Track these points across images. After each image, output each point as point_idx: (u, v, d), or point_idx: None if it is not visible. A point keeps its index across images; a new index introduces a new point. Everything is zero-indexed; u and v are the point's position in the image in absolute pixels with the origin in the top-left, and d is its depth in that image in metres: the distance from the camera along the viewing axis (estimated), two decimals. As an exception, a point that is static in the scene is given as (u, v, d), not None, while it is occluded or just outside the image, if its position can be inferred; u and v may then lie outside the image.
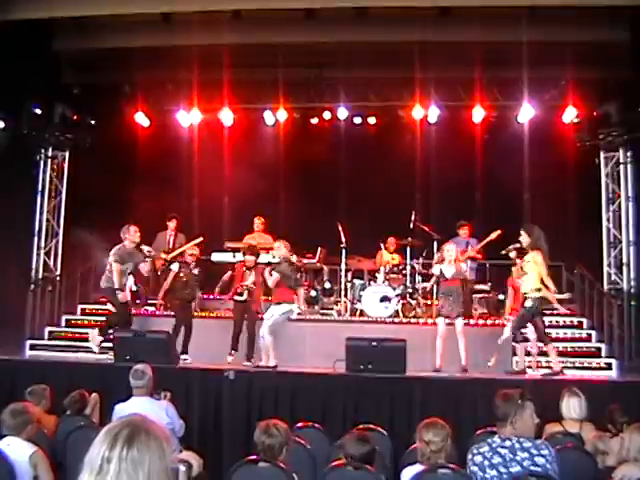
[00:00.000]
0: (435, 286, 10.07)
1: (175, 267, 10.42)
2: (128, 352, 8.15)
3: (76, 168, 13.13)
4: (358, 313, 11.03)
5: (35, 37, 10.33)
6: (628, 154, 12.29)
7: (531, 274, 8.32)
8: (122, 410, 5.61)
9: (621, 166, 12.43)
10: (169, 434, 2.21)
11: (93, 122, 13.05)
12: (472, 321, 10.14)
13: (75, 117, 12.86)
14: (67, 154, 13.27)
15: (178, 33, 10.80)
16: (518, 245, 8.71)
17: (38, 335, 11.57)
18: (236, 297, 9.86)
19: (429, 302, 11.08)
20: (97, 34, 10.81)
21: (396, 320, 10.44)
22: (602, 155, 12.71)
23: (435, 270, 9.29)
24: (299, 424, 6.08)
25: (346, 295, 11.29)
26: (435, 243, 11.11)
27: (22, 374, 8.20)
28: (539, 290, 8.31)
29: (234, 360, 9.35)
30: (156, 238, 11.68)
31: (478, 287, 11.20)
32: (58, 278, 12.86)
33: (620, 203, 12.44)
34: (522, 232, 8.49)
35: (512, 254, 8.97)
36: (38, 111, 12.18)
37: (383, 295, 10.66)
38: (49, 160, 13.03)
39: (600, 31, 10.43)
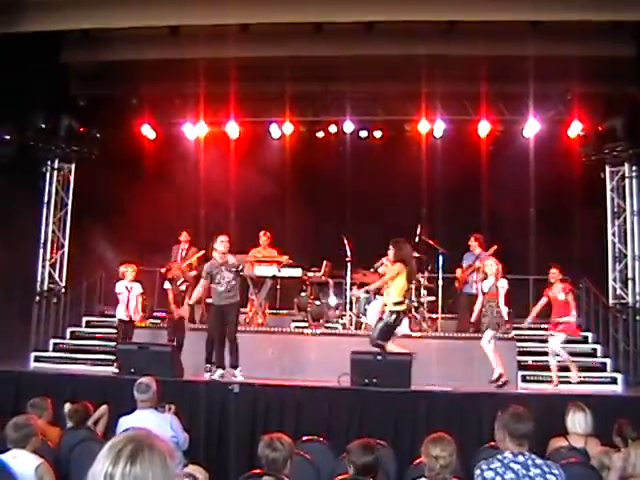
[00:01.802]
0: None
1: (167, 285, 10.57)
2: (132, 365, 8.15)
3: (82, 180, 13.17)
4: (363, 327, 11.02)
5: (43, 48, 10.35)
6: (633, 168, 12.28)
7: (394, 287, 8.51)
8: (126, 423, 5.60)
9: (626, 180, 12.41)
10: (173, 448, 2.20)
11: (99, 134, 13.08)
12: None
13: (82, 129, 12.87)
14: (73, 166, 13.28)
15: (185, 46, 10.83)
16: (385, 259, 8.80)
17: (43, 347, 11.59)
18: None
19: (434, 316, 11.07)
20: (105, 46, 10.84)
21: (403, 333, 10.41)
22: (607, 169, 12.70)
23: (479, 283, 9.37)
24: (304, 438, 6.06)
25: (351, 309, 11.27)
26: (440, 257, 11.11)
27: (26, 386, 8.19)
28: (401, 303, 8.51)
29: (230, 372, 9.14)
30: (172, 251, 11.76)
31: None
32: (63, 290, 12.88)
33: (625, 217, 12.42)
34: (390, 246, 8.74)
35: (380, 269, 9.01)
36: (44, 123, 12.21)
37: (388, 309, 10.64)
38: (55, 172, 13.03)
39: (605, 46, 10.43)
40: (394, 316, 8.47)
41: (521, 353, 10.37)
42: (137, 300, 10.10)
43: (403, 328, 9.02)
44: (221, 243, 9.03)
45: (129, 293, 10.08)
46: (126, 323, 10.06)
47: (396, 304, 8.47)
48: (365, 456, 4.46)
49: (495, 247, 10.37)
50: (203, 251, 11.17)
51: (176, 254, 11.69)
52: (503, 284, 8.95)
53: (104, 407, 6.83)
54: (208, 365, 9.06)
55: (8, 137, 11.53)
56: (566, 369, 9.22)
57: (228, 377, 8.79)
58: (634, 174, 12.27)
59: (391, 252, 8.75)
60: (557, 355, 9.16)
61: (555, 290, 9.34)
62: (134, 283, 10.18)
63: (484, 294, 9.04)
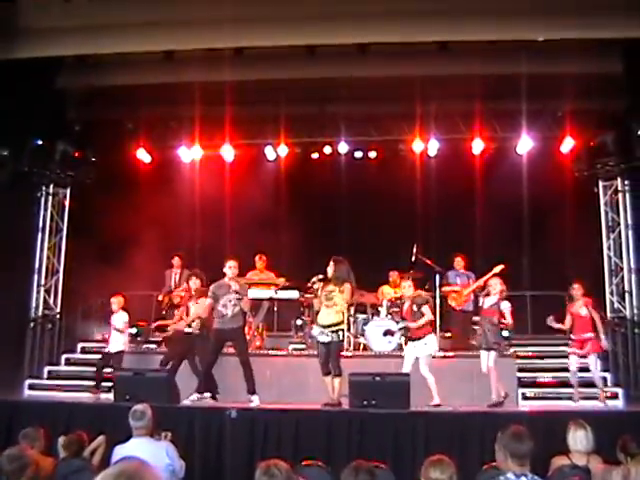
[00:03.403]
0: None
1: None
2: (128, 392, 8.06)
3: (77, 205, 13.17)
4: (362, 347, 10.98)
5: (38, 74, 10.40)
6: (626, 182, 12.37)
7: (344, 306, 8.57)
8: (121, 451, 5.52)
9: (619, 194, 12.50)
10: (164, 478, 2.18)
11: (95, 159, 13.11)
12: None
13: (77, 154, 12.90)
14: (68, 191, 13.30)
15: (180, 70, 10.89)
16: (321, 276, 8.79)
17: (37, 374, 11.50)
18: (186, 329, 9.64)
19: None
20: (100, 72, 10.88)
21: (400, 354, 10.37)
22: (600, 184, 12.80)
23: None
24: (303, 463, 6.00)
25: (349, 329, 11.23)
26: (437, 276, 11.11)
27: (20, 415, 8.04)
28: (342, 323, 8.57)
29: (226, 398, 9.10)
30: (165, 276, 11.75)
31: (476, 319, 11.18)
32: (58, 316, 12.81)
33: (620, 231, 12.47)
34: (331, 263, 8.67)
35: (315, 285, 8.99)
36: (40, 148, 12.22)
37: (386, 329, 10.63)
38: (50, 197, 13.02)
39: (594, 63, 10.55)
40: (338, 336, 8.55)
41: (521, 370, 10.33)
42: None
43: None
44: (229, 269, 8.97)
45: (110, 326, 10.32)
46: (109, 355, 10.25)
47: (339, 323, 8.59)
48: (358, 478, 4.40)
49: (502, 267, 10.30)
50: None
51: (169, 279, 11.67)
52: (506, 306, 8.95)
53: (101, 438, 6.74)
54: (206, 394, 8.97)
55: (3, 162, 11.52)
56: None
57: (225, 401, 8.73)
58: (627, 188, 12.37)
59: (331, 270, 8.66)
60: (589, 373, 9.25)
61: (577, 306, 9.31)
62: (118, 314, 10.33)
63: (483, 310, 9.02)
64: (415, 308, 8.98)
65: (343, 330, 8.67)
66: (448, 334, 11.41)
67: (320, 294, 8.70)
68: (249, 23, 9.59)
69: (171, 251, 12.06)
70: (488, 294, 9.13)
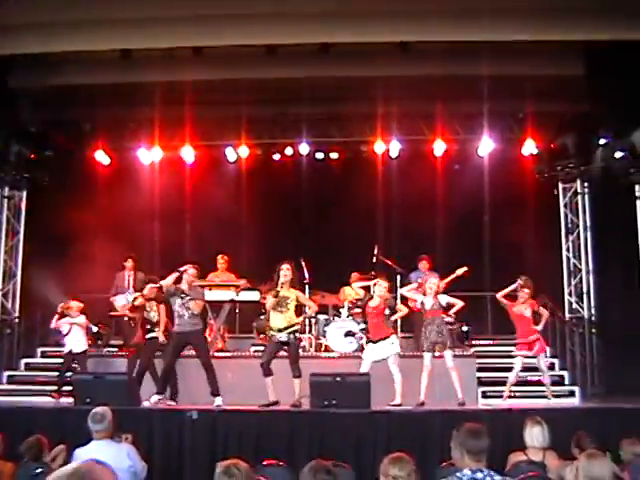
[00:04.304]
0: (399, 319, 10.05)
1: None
2: (88, 395, 7.96)
3: (34, 207, 12.94)
4: (323, 348, 10.96)
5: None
6: (585, 185, 12.54)
7: (289, 313, 8.64)
8: (82, 454, 5.43)
9: (579, 196, 12.70)
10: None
11: (51, 160, 12.86)
12: (437, 353, 10.11)
13: (32, 155, 12.64)
14: (24, 193, 13.06)
15: (138, 70, 10.75)
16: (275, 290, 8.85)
17: (-4, 379, 11.28)
18: (150, 334, 9.66)
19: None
20: (55, 71, 10.69)
21: (361, 354, 10.37)
22: (560, 186, 12.97)
23: (419, 299, 9.25)
24: (264, 462, 5.96)
25: (311, 331, 11.21)
26: (398, 277, 11.14)
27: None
28: (297, 324, 8.75)
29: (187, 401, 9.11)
30: (115, 278, 11.57)
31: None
32: (17, 320, 12.58)
33: (579, 233, 12.64)
34: (286, 267, 8.72)
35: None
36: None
37: (347, 330, 10.64)
38: (6, 200, 12.78)
39: (555, 65, 10.64)
40: (294, 337, 8.71)
41: (481, 369, 10.40)
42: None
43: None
44: (189, 276, 8.96)
45: (71, 327, 10.41)
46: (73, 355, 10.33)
47: (295, 324, 8.74)
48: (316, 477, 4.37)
49: (465, 269, 10.33)
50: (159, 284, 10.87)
51: (122, 281, 11.50)
52: (443, 299, 9.04)
53: (61, 447, 6.64)
54: (163, 396, 8.90)
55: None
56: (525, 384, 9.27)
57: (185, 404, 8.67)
58: (586, 190, 12.54)
59: (290, 275, 8.70)
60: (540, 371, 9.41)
61: (522, 308, 9.33)
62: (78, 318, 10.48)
63: (427, 311, 9.05)
64: (388, 312, 9.01)
65: (297, 330, 8.81)
66: (409, 334, 11.44)
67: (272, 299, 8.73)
68: (208, 22, 9.50)
69: (131, 253, 11.89)
70: (424, 292, 9.15)
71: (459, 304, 9.13)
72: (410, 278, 11.36)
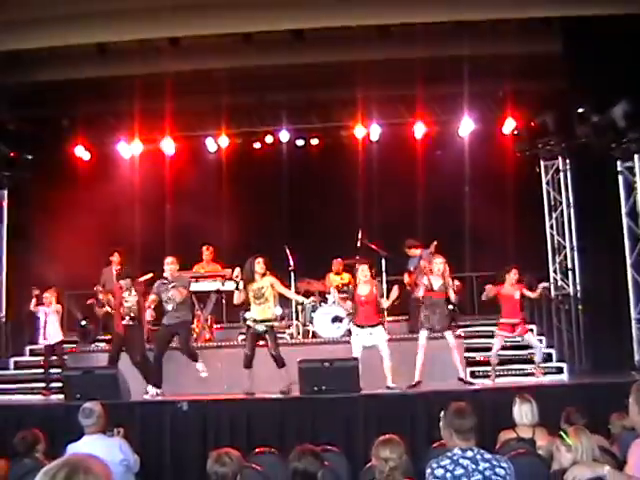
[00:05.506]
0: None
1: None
2: (78, 391, 7.96)
3: (16, 205, 12.81)
4: (310, 335, 10.99)
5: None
6: (567, 161, 12.56)
7: (270, 303, 8.72)
8: (74, 450, 5.44)
9: (561, 173, 12.72)
10: (110, 472, 2.14)
11: (31, 158, 12.72)
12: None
13: (12, 153, 12.51)
14: (6, 192, 12.91)
15: (115, 64, 10.69)
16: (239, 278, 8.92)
17: (-14, 379, 11.23)
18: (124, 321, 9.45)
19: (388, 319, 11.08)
20: (32, 68, 10.62)
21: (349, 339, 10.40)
22: (542, 164, 13.00)
23: (424, 281, 9.19)
24: (256, 450, 5.99)
25: (297, 318, 11.23)
26: (383, 260, 11.15)
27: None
28: (275, 320, 8.96)
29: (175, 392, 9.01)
30: (102, 274, 11.50)
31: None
32: (4, 319, 12.50)
33: (562, 210, 12.69)
34: (259, 260, 8.70)
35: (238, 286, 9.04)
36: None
37: (334, 315, 10.67)
38: (-14, 199, 12.66)
39: (534, 43, 10.64)
40: (273, 328, 8.81)
41: (468, 349, 10.46)
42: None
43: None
44: (166, 265, 9.08)
45: (46, 317, 10.51)
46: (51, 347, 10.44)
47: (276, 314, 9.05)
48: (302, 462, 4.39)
49: (435, 243, 10.44)
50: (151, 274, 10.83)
51: (109, 276, 11.42)
52: (452, 283, 9.06)
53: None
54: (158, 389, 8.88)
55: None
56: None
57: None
58: (568, 167, 12.56)
59: (260, 267, 8.70)
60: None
61: (511, 289, 9.35)
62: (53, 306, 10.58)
63: (433, 291, 9.04)
64: (380, 297, 8.99)
65: (275, 326, 8.89)
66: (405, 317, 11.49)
67: (247, 292, 8.72)
68: (183, 12, 9.44)
69: (117, 247, 11.83)
70: (431, 271, 9.13)
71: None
72: (411, 263, 11.28)
